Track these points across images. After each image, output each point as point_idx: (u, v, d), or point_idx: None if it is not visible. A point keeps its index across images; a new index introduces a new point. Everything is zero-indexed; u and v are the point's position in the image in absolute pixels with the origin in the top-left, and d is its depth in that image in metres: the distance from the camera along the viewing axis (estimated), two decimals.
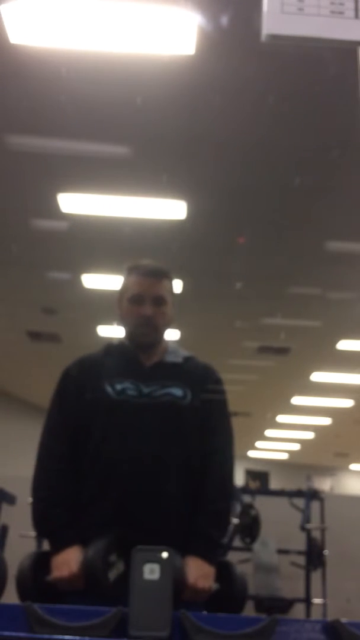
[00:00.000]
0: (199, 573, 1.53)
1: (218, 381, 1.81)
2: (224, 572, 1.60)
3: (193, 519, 1.62)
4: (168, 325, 1.81)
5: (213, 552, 1.61)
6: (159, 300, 1.77)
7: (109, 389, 1.69)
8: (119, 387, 1.69)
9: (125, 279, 1.85)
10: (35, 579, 1.52)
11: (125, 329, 1.84)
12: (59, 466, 1.66)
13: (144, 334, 1.77)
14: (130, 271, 1.85)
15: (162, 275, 1.82)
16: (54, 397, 1.78)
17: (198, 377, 1.78)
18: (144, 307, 1.76)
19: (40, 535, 1.68)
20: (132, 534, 1.47)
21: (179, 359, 1.80)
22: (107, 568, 1.45)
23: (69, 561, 1.51)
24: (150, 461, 1.63)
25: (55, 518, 1.60)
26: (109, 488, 1.60)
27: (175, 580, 1.43)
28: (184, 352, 1.84)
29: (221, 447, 1.74)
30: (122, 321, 1.84)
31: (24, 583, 1.53)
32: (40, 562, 1.56)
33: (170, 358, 1.80)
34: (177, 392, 1.71)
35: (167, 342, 1.85)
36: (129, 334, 1.82)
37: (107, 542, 1.48)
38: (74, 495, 1.62)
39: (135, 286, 1.80)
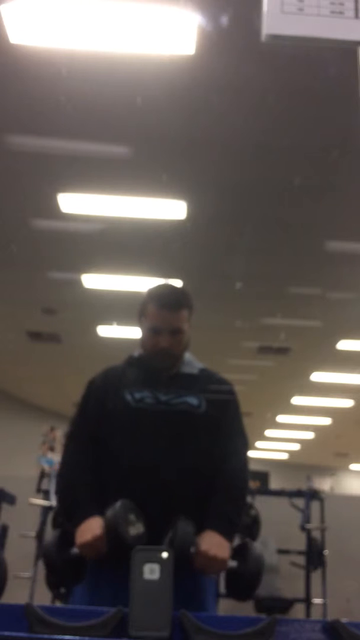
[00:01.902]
0: (213, 542, 1.58)
1: (231, 391, 1.92)
2: (242, 552, 1.63)
3: (213, 504, 1.68)
4: (185, 349, 1.91)
5: (228, 528, 1.66)
6: (177, 332, 1.85)
7: (128, 397, 1.79)
8: (138, 395, 1.80)
9: (145, 304, 1.89)
10: (61, 552, 1.61)
11: (144, 347, 1.91)
12: (81, 461, 1.77)
13: (161, 362, 1.86)
14: (150, 297, 1.89)
15: (180, 307, 1.87)
16: (78, 404, 1.89)
17: (213, 387, 1.88)
18: (161, 338, 1.83)
19: (64, 516, 1.77)
20: (148, 533, 1.55)
21: (195, 370, 1.91)
22: (128, 524, 1.52)
23: (91, 527, 1.58)
24: (166, 466, 1.70)
25: (77, 496, 1.71)
26: (127, 492, 1.66)
27: (187, 544, 1.49)
28: (198, 364, 1.94)
29: (238, 449, 1.84)
30: (142, 345, 1.91)
31: (51, 558, 1.62)
32: (64, 539, 1.64)
33: (186, 369, 1.90)
34: (193, 400, 1.80)
35: (184, 354, 1.94)
36: (146, 354, 1.90)
37: (124, 503, 1.56)
38: (96, 484, 1.71)
39: (153, 318, 1.85)
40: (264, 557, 1.66)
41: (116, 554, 1.49)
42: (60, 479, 1.81)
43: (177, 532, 1.52)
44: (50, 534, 1.71)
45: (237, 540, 1.70)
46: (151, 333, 1.85)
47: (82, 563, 1.60)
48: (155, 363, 1.86)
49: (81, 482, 1.73)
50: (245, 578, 1.60)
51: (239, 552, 1.62)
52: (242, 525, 1.77)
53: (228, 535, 1.64)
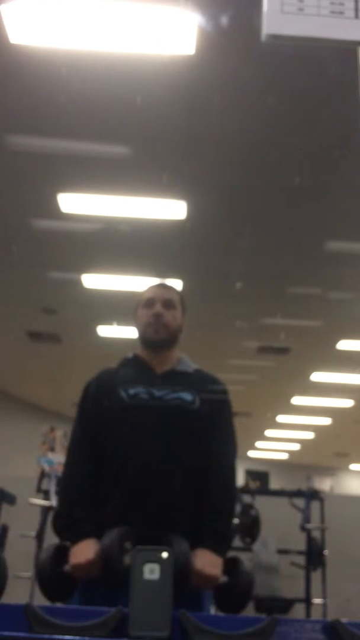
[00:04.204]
0: (207, 561, 1.62)
1: (224, 391, 1.94)
2: (232, 567, 1.67)
3: (200, 517, 1.72)
4: (178, 330, 1.95)
5: (220, 545, 1.70)
6: (169, 303, 1.93)
7: (122, 394, 1.82)
8: (132, 391, 1.82)
9: (139, 298, 2.00)
10: (54, 568, 1.64)
11: (140, 333, 1.96)
12: (81, 470, 1.81)
13: (155, 331, 1.90)
14: (144, 290, 2.02)
15: (173, 289, 2.01)
16: (77, 409, 1.92)
17: (206, 386, 1.91)
18: (154, 308, 1.91)
19: (61, 531, 1.84)
20: (143, 528, 1.61)
21: (190, 370, 1.94)
22: (122, 554, 1.54)
23: (86, 550, 1.61)
24: (159, 460, 1.74)
25: (75, 514, 1.74)
26: (122, 485, 1.72)
27: (183, 564, 1.51)
28: (194, 365, 1.97)
29: (225, 451, 1.86)
30: (137, 327, 1.97)
31: (44, 572, 1.65)
32: (59, 554, 1.67)
33: (181, 367, 1.94)
34: (187, 396, 1.83)
35: (179, 354, 1.98)
36: (142, 335, 1.95)
37: (122, 530, 1.58)
38: (94, 496, 1.75)
39: (147, 293, 1.97)
40: (253, 573, 1.72)
41: (109, 579, 1.54)
42: (61, 491, 1.86)
43: (174, 553, 1.53)
44: (45, 550, 1.74)
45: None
46: (146, 307, 1.93)
47: (72, 581, 1.64)
48: (150, 335, 1.90)
49: (79, 499, 1.75)
50: (236, 593, 1.64)
51: (230, 568, 1.66)
52: (234, 530, 1.79)
53: (220, 552, 1.68)
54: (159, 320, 1.89)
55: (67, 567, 1.63)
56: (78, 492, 1.77)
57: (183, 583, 1.49)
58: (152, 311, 1.91)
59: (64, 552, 1.66)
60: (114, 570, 1.53)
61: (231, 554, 1.74)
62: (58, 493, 1.81)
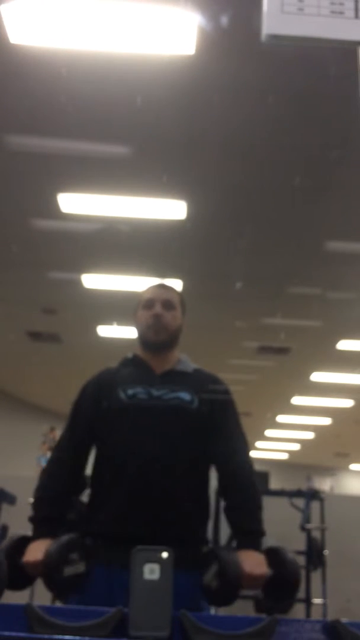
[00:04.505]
0: (253, 562, 1.62)
1: (226, 391, 1.94)
2: (276, 558, 1.66)
3: (233, 519, 1.75)
4: (177, 331, 1.95)
5: (259, 541, 1.71)
6: (169, 304, 1.93)
7: (121, 394, 1.82)
8: (130, 391, 1.82)
9: (139, 299, 2.01)
10: (10, 557, 1.61)
11: (139, 334, 1.96)
12: (57, 471, 1.83)
13: (155, 332, 1.90)
14: (143, 290, 2.02)
15: (172, 289, 2.01)
16: (71, 409, 1.92)
17: (206, 386, 1.90)
18: (154, 308, 1.91)
19: (30, 524, 1.82)
20: (143, 527, 1.64)
21: (189, 369, 1.93)
22: (64, 563, 1.54)
23: (37, 549, 1.61)
24: (158, 459, 1.74)
25: (41, 511, 1.76)
26: (121, 485, 1.73)
27: (236, 573, 1.54)
28: (193, 365, 1.96)
29: (236, 449, 1.86)
30: (137, 328, 1.97)
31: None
32: (20, 546, 1.66)
33: (180, 367, 1.93)
34: (186, 396, 1.83)
35: (179, 354, 1.98)
36: (142, 336, 1.94)
37: (69, 539, 1.59)
38: (66, 497, 1.80)
39: (147, 294, 1.97)
40: (296, 561, 1.70)
41: (49, 585, 1.56)
42: (37, 487, 1.85)
43: (225, 564, 1.54)
44: (8, 538, 1.74)
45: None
46: (145, 308, 1.92)
47: (26, 574, 1.63)
48: (150, 336, 1.90)
49: (50, 497, 1.78)
50: (286, 583, 1.62)
51: (273, 559, 1.65)
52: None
53: (260, 548, 1.69)
54: (159, 322, 1.89)
55: (21, 561, 1.64)
56: (51, 490, 1.79)
57: (237, 590, 1.53)
58: (151, 312, 1.90)
59: (26, 544, 1.67)
60: (52, 578, 1.54)
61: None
62: (35, 490, 1.83)
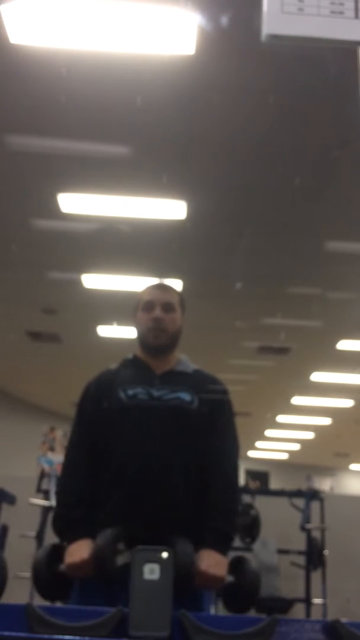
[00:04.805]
0: (212, 561, 1.63)
1: (225, 392, 1.94)
2: (239, 566, 1.67)
3: (203, 518, 1.73)
4: (177, 333, 1.94)
5: (224, 545, 1.72)
6: (169, 306, 1.92)
7: (121, 395, 1.83)
8: (130, 392, 1.83)
9: (138, 299, 1.99)
10: (50, 567, 1.66)
11: (139, 336, 1.96)
12: (77, 472, 1.83)
13: (155, 336, 1.90)
14: (143, 289, 2.01)
15: (172, 290, 2.00)
16: (76, 410, 1.93)
17: (206, 386, 1.91)
18: (154, 312, 1.90)
19: (59, 532, 1.82)
20: (143, 528, 1.63)
21: (189, 370, 1.94)
22: (114, 554, 1.56)
23: (80, 549, 1.63)
24: (158, 460, 1.75)
25: (71, 515, 1.76)
26: (121, 486, 1.74)
27: (187, 565, 1.53)
28: (193, 365, 1.97)
29: (227, 451, 1.87)
30: (137, 330, 1.97)
31: (39, 571, 1.66)
32: (55, 554, 1.69)
33: (180, 368, 1.93)
34: (186, 396, 1.84)
35: (179, 355, 1.98)
36: (141, 339, 1.94)
37: (115, 531, 1.60)
38: (91, 497, 1.77)
39: (146, 295, 1.95)
40: (259, 572, 1.71)
41: (103, 578, 1.58)
42: (58, 493, 1.88)
43: (177, 554, 1.53)
44: (41, 549, 1.77)
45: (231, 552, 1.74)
46: (145, 311, 1.92)
47: (68, 580, 1.66)
48: (150, 339, 1.90)
49: (76, 500, 1.77)
50: (243, 592, 1.64)
51: (236, 567, 1.66)
52: (238, 529, 1.80)
53: (225, 551, 1.69)
54: (159, 326, 1.89)
55: (62, 567, 1.64)
56: (75, 493, 1.79)
57: (187, 584, 1.51)
58: (151, 316, 1.90)
59: (60, 551, 1.68)
60: (106, 570, 1.56)
61: (232, 553, 1.74)
62: (56, 494, 1.83)
